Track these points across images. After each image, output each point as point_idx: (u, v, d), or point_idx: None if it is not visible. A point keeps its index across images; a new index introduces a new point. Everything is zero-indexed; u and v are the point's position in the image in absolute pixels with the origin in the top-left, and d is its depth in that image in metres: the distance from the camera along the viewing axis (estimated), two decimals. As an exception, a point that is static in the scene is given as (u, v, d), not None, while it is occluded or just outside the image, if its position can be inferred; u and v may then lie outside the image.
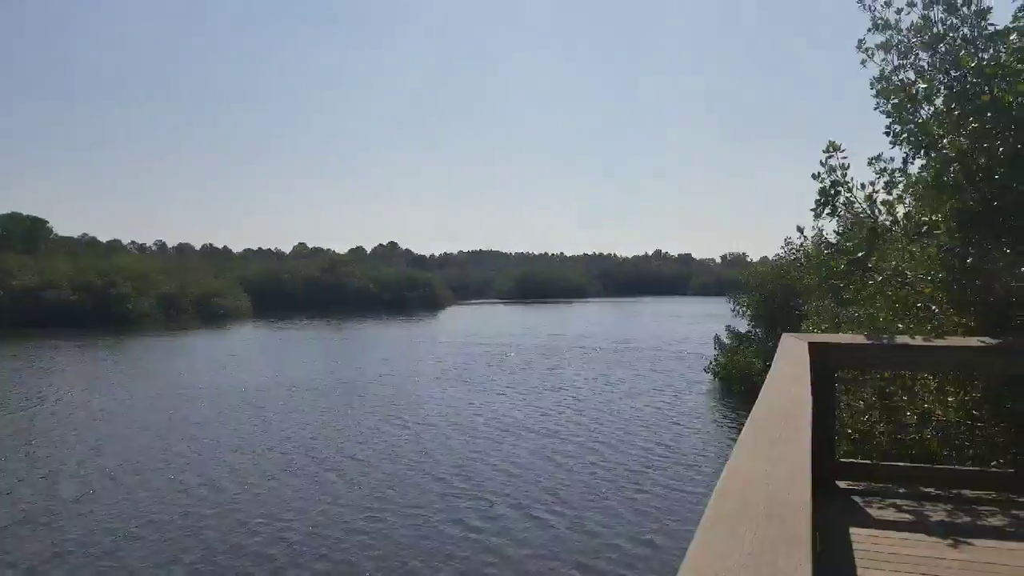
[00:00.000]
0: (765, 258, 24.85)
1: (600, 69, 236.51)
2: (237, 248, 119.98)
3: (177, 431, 15.35)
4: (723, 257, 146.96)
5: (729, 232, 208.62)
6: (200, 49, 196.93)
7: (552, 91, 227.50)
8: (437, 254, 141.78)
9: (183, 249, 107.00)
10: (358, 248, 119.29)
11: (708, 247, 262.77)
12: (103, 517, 9.94)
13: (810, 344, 4.32)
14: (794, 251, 18.63)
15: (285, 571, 8.06)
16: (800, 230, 13.21)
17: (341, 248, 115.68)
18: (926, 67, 6.40)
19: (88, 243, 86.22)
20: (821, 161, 6.86)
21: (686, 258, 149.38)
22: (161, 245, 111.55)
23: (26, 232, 66.75)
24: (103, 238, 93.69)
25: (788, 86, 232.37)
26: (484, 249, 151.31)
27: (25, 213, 69.15)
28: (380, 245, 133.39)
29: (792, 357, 3.90)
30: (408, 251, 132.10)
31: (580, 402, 18.75)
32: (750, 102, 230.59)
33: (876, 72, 6.73)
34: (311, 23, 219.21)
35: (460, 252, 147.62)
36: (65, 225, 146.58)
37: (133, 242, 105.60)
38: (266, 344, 37.32)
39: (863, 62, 6.85)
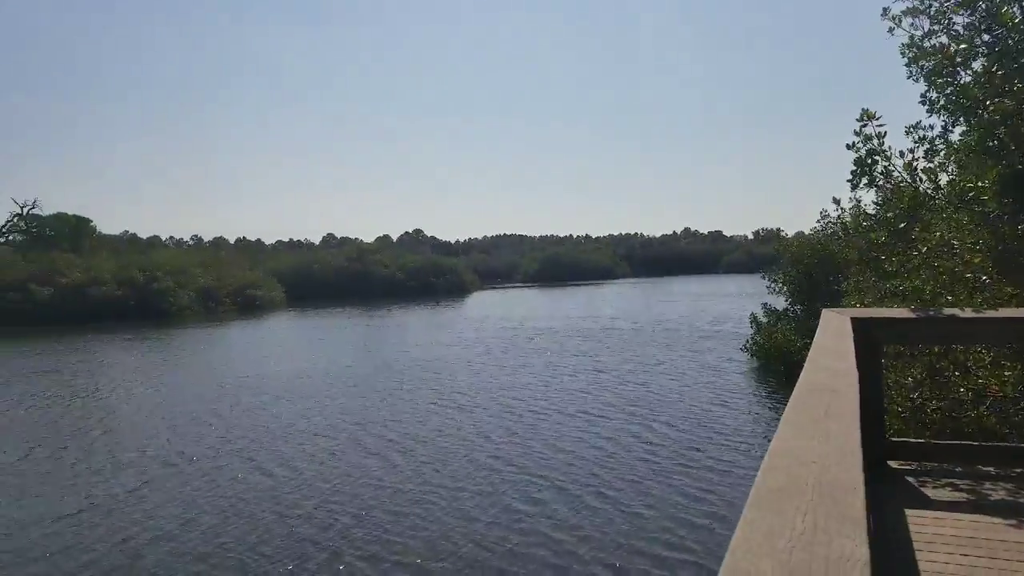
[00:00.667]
0: (801, 232, 24.31)
1: (624, 44, 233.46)
2: (269, 240, 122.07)
3: (227, 419, 15.72)
4: (756, 233, 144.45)
5: (761, 207, 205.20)
6: (228, 46, 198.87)
7: (572, 69, 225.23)
8: (462, 240, 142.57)
9: (218, 243, 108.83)
10: (385, 236, 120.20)
11: (739, 223, 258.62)
12: (164, 503, 10.24)
13: (853, 319, 4.16)
14: (831, 224, 18.25)
15: (342, 554, 8.20)
16: (836, 202, 12.89)
17: (368, 237, 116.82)
18: (961, 31, 6.17)
19: (129, 240, 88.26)
20: (855, 130, 6.65)
21: (716, 235, 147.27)
22: (197, 240, 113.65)
23: (72, 231, 68.44)
24: (143, 234, 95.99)
25: (821, 54, 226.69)
26: (508, 233, 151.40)
27: (70, 213, 70.87)
28: (406, 233, 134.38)
29: (834, 333, 3.76)
30: (433, 238, 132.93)
31: (620, 383, 18.66)
32: (781, 72, 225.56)
33: (905, 39, 6.50)
34: (337, 16, 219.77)
35: (484, 237, 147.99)
36: (107, 223, 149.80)
37: (171, 237, 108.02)
38: (303, 332, 37.88)
39: (890, 30, 6.61)
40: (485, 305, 55.82)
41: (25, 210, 67.81)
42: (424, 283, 73.53)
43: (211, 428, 14.84)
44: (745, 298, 45.06)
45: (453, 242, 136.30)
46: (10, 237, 68.00)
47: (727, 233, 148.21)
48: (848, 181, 6.67)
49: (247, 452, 12.84)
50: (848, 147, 6.55)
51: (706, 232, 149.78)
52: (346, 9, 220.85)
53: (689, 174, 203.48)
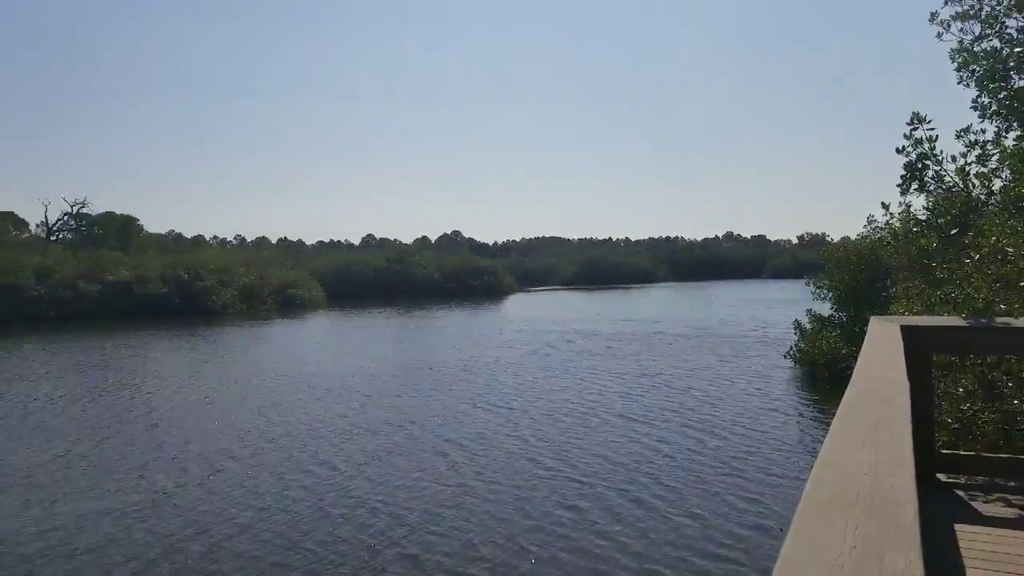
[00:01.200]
0: (847, 237, 23.87)
1: (664, 44, 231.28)
2: (310, 241, 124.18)
3: (284, 414, 16.06)
4: (800, 238, 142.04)
5: (806, 211, 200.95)
6: (270, 49, 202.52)
7: (611, 69, 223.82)
8: (500, 242, 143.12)
9: (261, 243, 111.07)
10: (423, 238, 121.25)
11: (784, 227, 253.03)
12: (233, 495, 10.46)
13: (902, 327, 4.05)
14: (879, 229, 17.86)
15: (410, 551, 8.32)
16: (885, 207, 12.56)
17: (407, 238, 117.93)
18: (1014, 34, 6.00)
19: (175, 238, 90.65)
20: (905, 134, 6.47)
21: (760, 239, 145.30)
22: (241, 239, 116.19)
23: (119, 230, 70.50)
24: (188, 234, 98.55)
25: (868, 56, 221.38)
26: (546, 236, 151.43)
27: (118, 212, 73.01)
28: (444, 234, 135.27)
29: (883, 341, 3.67)
30: (471, 239, 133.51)
31: (664, 387, 18.57)
32: (827, 73, 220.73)
33: (954, 44, 6.34)
34: (375, 17, 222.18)
35: (522, 239, 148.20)
36: (154, 222, 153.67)
37: (215, 237, 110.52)
38: (344, 332, 38.35)
39: (939, 35, 6.44)
40: (524, 307, 55.89)
41: (75, 209, 69.99)
42: (462, 284, 73.83)
43: (270, 423, 15.16)
44: (789, 304, 44.36)
45: (491, 244, 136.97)
46: (61, 235, 70.27)
47: (771, 237, 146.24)
48: (898, 186, 6.52)
49: (308, 447, 13.11)
50: (898, 151, 6.40)
51: (749, 236, 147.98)
52: (382, 11, 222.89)
53: (732, 176, 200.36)
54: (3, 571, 8.01)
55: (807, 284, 21.79)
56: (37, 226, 71.31)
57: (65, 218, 70.49)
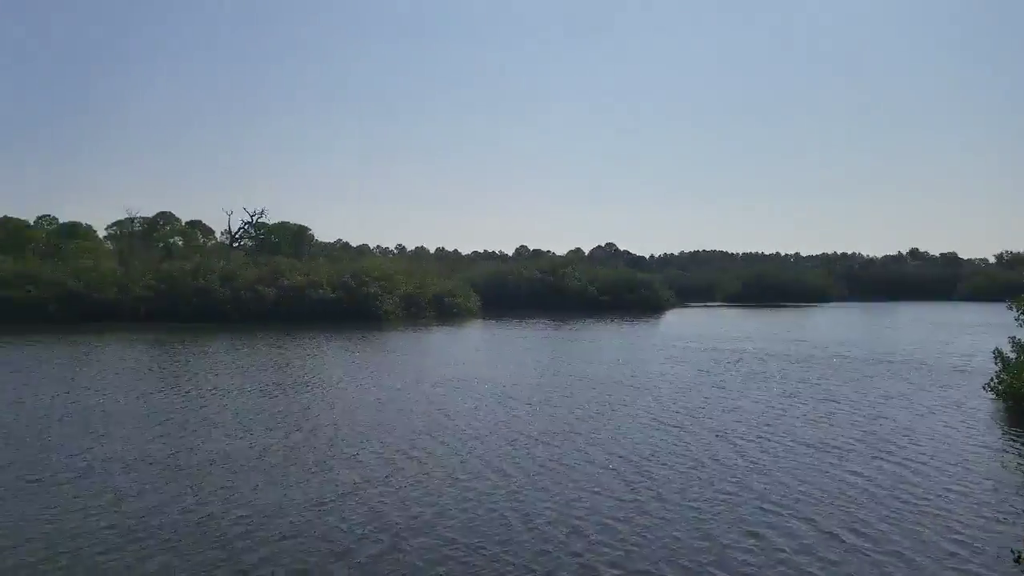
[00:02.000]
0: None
1: (847, 44, 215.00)
2: (466, 251, 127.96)
3: (451, 418, 16.40)
4: (999, 256, 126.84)
5: (1006, 226, 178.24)
6: (428, 58, 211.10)
7: (781, 69, 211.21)
8: (657, 255, 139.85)
9: (420, 252, 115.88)
10: (577, 250, 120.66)
11: (979, 245, 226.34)
12: (412, 494, 10.60)
13: None
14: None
15: (590, 563, 8.05)
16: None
17: (560, 250, 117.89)
18: None
19: (342, 247, 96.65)
20: None
21: (950, 258, 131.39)
22: (401, 248, 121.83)
23: (293, 238, 76.02)
24: (354, 243, 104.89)
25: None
26: (707, 249, 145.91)
27: (292, 222, 78.80)
28: (598, 247, 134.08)
29: None
30: (627, 252, 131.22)
31: (851, 415, 16.92)
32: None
33: None
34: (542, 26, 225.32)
35: (681, 252, 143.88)
36: (323, 230, 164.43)
37: (378, 246, 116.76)
38: (502, 342, 38.86)
39: None
40: (684, 323, 54.22)
41: (255, 218, 76.13)
42: (617, 298, 72.55)
43: (441, 426, 15.44)
44: (987, 329, 39.50)
45: (647, 257, 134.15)
46: (242, 242, 76.78)
47: (963, 255, 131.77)
48: None
49: (479, 452, 13.21)
50: None
51: (937, 254, 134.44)
52: (524, 24, 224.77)
53: (918, 188, 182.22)
54: (207, 552, 8.27)
55: (1009, 308, 19.77)
56: (221, 234, 78.49)
57: (246, 227, 76.91)
